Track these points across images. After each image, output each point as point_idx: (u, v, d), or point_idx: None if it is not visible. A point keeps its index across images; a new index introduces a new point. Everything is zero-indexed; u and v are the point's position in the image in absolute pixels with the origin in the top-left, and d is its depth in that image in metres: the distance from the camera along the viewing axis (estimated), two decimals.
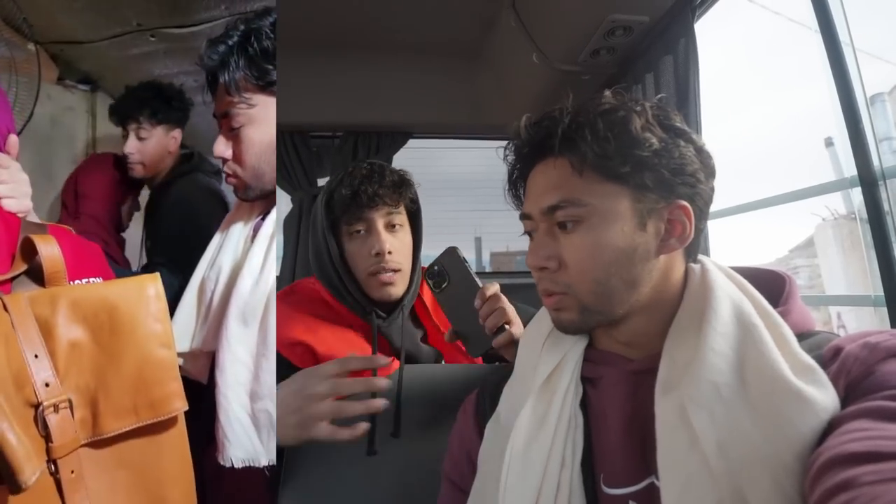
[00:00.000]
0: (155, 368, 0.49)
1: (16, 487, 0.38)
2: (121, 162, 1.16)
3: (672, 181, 0.42)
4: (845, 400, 0.35)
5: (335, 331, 0.75)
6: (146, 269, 1.06)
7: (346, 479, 0.67)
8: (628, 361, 0.45)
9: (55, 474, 0.43)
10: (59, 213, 1.16)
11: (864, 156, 0.81)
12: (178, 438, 0.51)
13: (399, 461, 0.67)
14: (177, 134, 1.15)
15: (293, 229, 1.59)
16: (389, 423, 0.68)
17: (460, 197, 2.01)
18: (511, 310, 0.63)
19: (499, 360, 0.76)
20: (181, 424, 0.52)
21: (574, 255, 0.44)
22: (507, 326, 0.61)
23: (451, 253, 0.67)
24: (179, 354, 0.70)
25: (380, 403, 0.54)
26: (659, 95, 1.03)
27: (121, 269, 0.99)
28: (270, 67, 0.63)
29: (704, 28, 1.00)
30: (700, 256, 0.47)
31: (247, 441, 0.64)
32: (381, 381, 0.54)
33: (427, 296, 0.83)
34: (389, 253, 0.74)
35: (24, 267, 0.50)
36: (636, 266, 0.43)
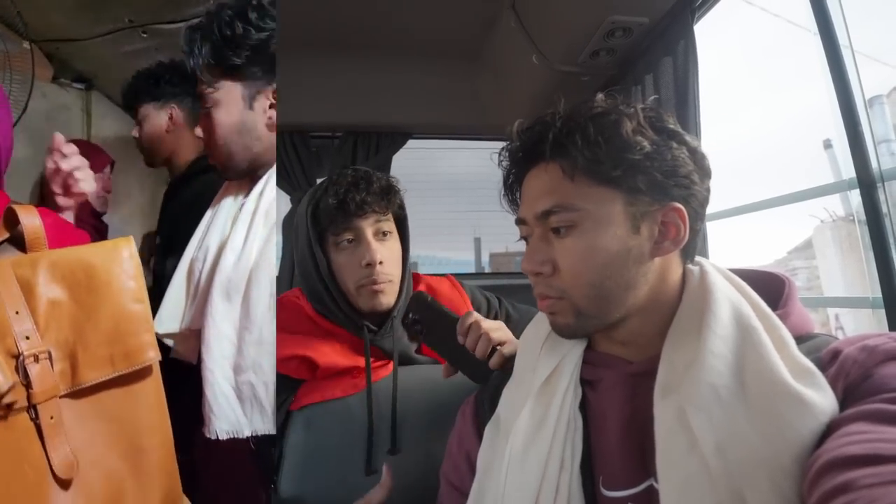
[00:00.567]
0: (129, 321, 0.52)
1: None
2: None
3: (665, 183, 0.42)
4: (843, 403, 0.35)
5: (329, 341, 0.74)
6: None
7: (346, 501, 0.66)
8: (627, 364, 0.45)
9: (36, 420, 0.46)
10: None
11: (863, 158, 0.81)
12: (153, 389, 0.54)
13: (399, 479, 0.66)
14: (173, 111, 1.11)
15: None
16: (387, 440, 0.67)
17: (459, 197, 2.00)
18: (496, 330, 0.60)
19: None
20: (156, 375, 0.54)
21: (568, 260, 0.44)
22: (498, 348, 0.59)
23: (419, 299, 0.66)
24: (170, 336, 0.72)
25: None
26: (652, 97, 1.03)
27: None
28: (231, 53, 0.67)
29: (704, 30, 1.01)
30: (698, 258, 0.47)
31: (231, 413, 0.66)
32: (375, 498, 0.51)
33: None
34: (381, 263, 0.72)
35: (6, 235, 0.54)
36: (630, 269, 0.43)
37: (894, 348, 0.35)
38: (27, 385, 0.45)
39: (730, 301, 0.41)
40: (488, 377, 0.59)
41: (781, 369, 0.35)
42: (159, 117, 1.11)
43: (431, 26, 1.30)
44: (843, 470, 0.29)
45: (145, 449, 0.52)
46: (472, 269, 2.05)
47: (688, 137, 0.45)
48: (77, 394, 0.49)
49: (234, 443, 0.66)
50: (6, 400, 0.44)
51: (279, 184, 1.57)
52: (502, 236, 2.07)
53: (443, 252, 2.06)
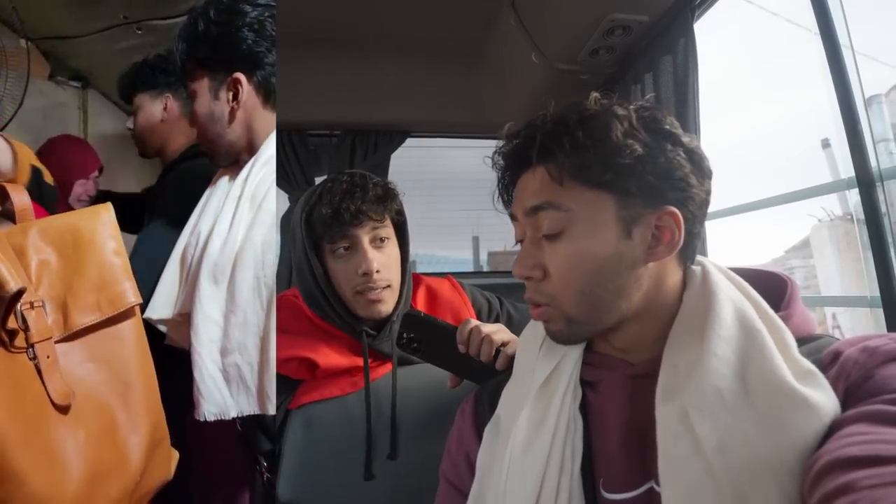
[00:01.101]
0: (112, 272, 0.59)
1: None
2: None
3: (659, 187, 0.41)
4: (844, 403, 0.35)
5: (329, 341, 0.74)
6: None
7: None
8: (628, 365, 0.45)
9: (34, 359, 0.52)
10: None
11: (862, 157, 0.81)
12: (136, 331, 0.61)
13: (399, 484, 0.65)
14: (167, 100, 1.10)
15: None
16: (386, 444, 0.67)
17: (458, 196, 2.00)
18: (497, 332, 0.60)
19: None
20: (138, 318, 0.61)
21: (557, 265, 0.43)
22: (501, 349, 0.59)
23: (410, 317, 0.65)
24: (164, 322, 0.73)
25: None
26: (648, 95, 1.03)
27: None
28: (204, 46, 0.71)
29: (704, 28, 1.01)
30: (699, 258, 0.46)
31: (218, 396, 0.67)
32: None
33: (419, 307, 0.81)
34: (377, 272, 0.71)
35: None
36: (622, 275, 0.42)
37: (895, 349, 0.35)
38: (25, 329, 0.51)
39: (732, 302, 0.40)
40: (493, 378, 0.59)
41: (785, 371, 0.35)
42: (154, 107, 1.11)
43: (430, 24, 1.29)
44: (844, 471, 0.29)
45: (132, 385, 0.58)
46: (470, 268, 2.04)
47: (685, 138, 0.43)
48: (70, 338, 0.55)
49: (224, 424, 0.68)
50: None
51: (278, 182, 1.56)
52: (501, 235, 2.07)
53: (441, 251, 2.06)
